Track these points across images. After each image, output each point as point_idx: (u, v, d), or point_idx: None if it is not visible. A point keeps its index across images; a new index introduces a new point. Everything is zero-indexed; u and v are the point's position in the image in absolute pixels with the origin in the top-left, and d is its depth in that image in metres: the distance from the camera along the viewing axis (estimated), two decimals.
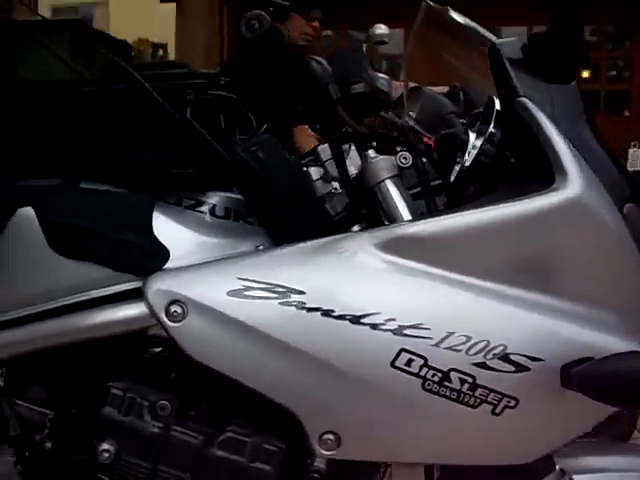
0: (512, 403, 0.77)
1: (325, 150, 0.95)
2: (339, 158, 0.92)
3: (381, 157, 0.91)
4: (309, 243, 0.82)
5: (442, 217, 0.81)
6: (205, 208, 0.91)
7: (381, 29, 0.85)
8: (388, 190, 0.89)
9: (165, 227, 0.88)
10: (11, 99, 0.92)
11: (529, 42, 0.86)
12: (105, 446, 0.81)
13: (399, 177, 0.90)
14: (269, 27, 0.75)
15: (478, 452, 0.80)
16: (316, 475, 0.86)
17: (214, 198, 0.92)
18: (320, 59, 0.84)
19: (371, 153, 0.92)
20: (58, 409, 0.87)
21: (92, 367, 0.87)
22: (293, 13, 2.41)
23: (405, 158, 0.91)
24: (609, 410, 0.82)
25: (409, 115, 1.05)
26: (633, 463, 0.98)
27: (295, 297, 0.77)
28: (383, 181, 0.89)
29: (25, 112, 0.91)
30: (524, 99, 0.83)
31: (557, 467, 0.90)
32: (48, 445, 0.86)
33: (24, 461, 0.86)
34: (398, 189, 0.89)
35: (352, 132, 0.90)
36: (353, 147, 0.96)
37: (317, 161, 0.96)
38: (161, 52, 6.75)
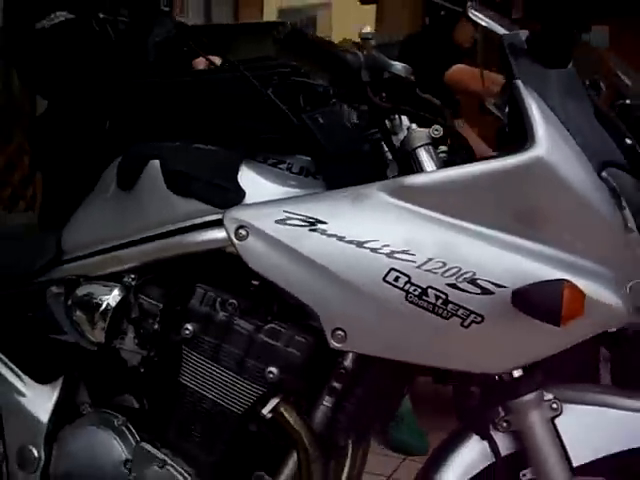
0: (478, 319, 0.97)
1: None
2: (383, 129, 1.17)
3: (418, 129, 1.13)
4: (340, 189, 1.08)
5: (435, 171, 1.04)
6: (284, 166, 1.20)
7: (366, 29, 1.08)
8: (421, 155, 1.11)
9: (251, 177, 1.18)
10: (150, 89, 1.29)
11: (530, 34, 1.05)
12: (188, 326, 1.14)
13: (431, 145, 1.12)
14: (291, 29, 1.02)
15: (450, 357, 1.01)
16: (343, 371, 1.12)
17: (292, 159, 1.20)
18: (356, 51, 1.09)
19: (413, 125, 1.15)
20: (166, 304, 1.21)
21: (189, 275, 1.20)
22: (464, 19, 2.72)
23: (437, 130, 1.12)
24: (574, 337, 0.99)
25: (490, 101, 1.27)
26: (629, 403, 1.12)
27: (320, 226, 1.04)
28: (417, 148, 1.11)
29: (156, 96, 1.28)
30: (518, 81, 1.02)
31: (550, 395, 1.08)
32: (156, 327, 1.20)
33: (140, 337, 1.21)
34: (429, 154, 1.11)
35: (387, 108, 1.13)
36: (406, 121, 1.19)
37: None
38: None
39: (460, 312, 0.98)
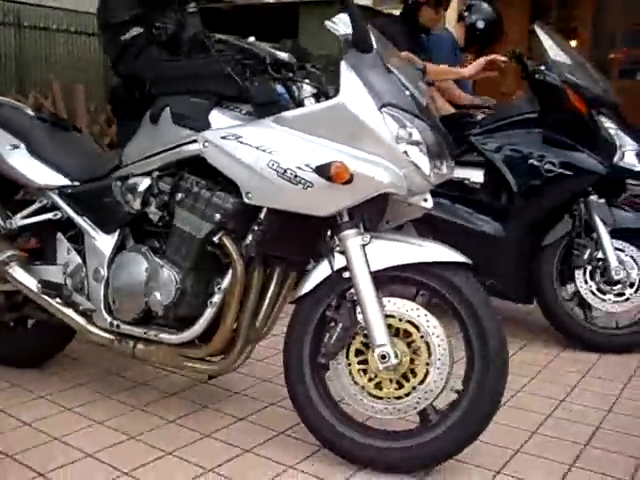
0: (311, 185, 1.88)
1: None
2: (289, 90, 2.07)
3: (307, 88, 2.03)
4: (256, 121, 2.01)
5: (294, 109, 1.95)
6: (237, 110, 2.13)
7: (251, 38, 1.99)
8: (306, 103, 2.02)
9: (216, 115, 2.11)
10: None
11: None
12: (179, 194, 2.12)
13: (313, 97, 2.03)
14: (218, 39, 1.96)
15: (301, 206, 1.92)
16: (259, 220, 2.04)
17: (242, 105, 2.12)
18: (260, 46, 2.01)
19: (305, 87, 2.05)
20: (171, 186, 2.18)
21: (185, 170, 2.17)
22: (425, 6, 3.62)
23: (313, 88, 2.03)
24: (357, 195, 1.88)
25: None
26: (412, 241, 2.00)
27: (240, 139, 1.98)
28: (304, 99, 2.02)
29: (171, 71, 2.26)
30: (341, 60, 1.91)
31: (367, 234, 1.97)
32: (166, 198, 2.17)
33: (158, 204, 2.19)
34: (310, 102, 2.02)
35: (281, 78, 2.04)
36: (306, 86, 2.09)
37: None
38: None
39: (302, 181, 1.89)
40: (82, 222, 2.39)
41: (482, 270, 3.23)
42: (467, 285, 1.96)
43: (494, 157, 3.22)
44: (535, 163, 3.10)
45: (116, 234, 2.33)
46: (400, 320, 1.97)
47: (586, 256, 3.11)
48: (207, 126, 2.10)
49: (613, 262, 3.05)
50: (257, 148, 1.96)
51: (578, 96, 3.01)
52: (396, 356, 1.91)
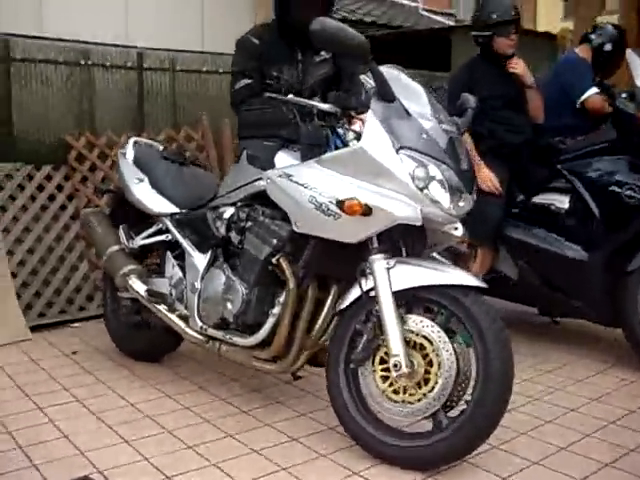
0: (340, 217, 2.23)
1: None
2: (337, 134, 2.45)
3: (350, 134, 2.40)
4: (305, 162, 2.40)
5: (332, 152, 2.32)
6: (296, 149, 2.54)
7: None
8: (350, 143, 2.39)
9: (280, 156, 2.55)
10: None
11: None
12: (250, 223, 2.57)
13: (358, 138, 2.39)
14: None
15: (334, 233, 2.28)
16: (309, 246, 2.43)
17: (299, 147, 2.53)
18: (303, 100, 2.39)
19: (349, 134, 2.42)
20: (247, 214, 2.64)
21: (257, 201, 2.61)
22: (495, 37, 3.72)
23: (354, 134, 2.39)
24: (376, 226, 2.20)
25: None
26: (432, 265, 2.29)
27: (291, 177, 2.39)
28: (349, 141, 2.39)
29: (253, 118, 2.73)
30: (369, 110, 2.25)
31: (392, 260, 2.28)
32: (242, 224, 2.64)
33: (237, 230, 2.66)
34: (354, 144, 2.38)
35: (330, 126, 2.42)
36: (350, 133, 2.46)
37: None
38: None
39: (332, 213, 2.25)
40: (185, 243, 2.93)
41: (569, 293, 3.42)
42: (476, 306, 2.19)
43: (578, 184, 3.32)
44: (616, 190, 3.17)
45: (209, 254, 2.83)
46: (417, 335, 2.25)
47: None
48: (272, 166, 2.53)
49: None
50: (302, 185, 2.35)
51: None
52: (407, 365, 2.20)
